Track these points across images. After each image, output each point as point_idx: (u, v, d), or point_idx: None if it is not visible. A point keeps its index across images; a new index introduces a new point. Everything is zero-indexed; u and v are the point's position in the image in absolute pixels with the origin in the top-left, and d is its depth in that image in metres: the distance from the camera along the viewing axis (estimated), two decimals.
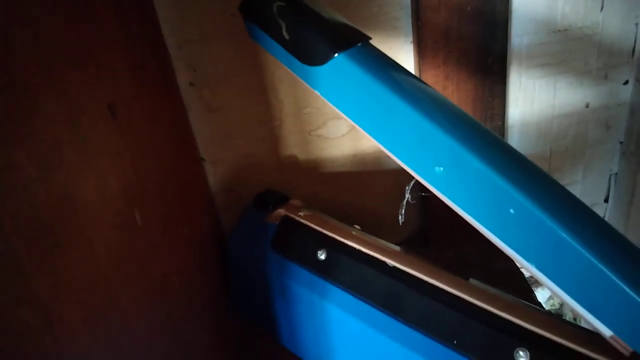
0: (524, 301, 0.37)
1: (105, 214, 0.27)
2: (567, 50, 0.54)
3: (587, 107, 0.57)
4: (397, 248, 0.43)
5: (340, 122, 0.54)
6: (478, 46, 0.48)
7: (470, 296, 0.36)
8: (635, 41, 0.55)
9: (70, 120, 0.25)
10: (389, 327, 0.38)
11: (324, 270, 0.43)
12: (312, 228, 0.46)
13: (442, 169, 0.31)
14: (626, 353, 0.29)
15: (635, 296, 0.27)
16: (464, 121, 0.32)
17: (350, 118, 0.35)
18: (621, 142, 0.61)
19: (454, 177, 0.31)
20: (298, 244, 0.45)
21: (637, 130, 0.58)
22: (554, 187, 0.30)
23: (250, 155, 0.54)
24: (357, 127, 0.35)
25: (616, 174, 0.63)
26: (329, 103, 0.35)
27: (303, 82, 0.36)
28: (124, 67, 0.34)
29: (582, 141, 0.60)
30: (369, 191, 0.58)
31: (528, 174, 0.30)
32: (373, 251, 0.42)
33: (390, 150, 0.34)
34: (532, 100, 0.55)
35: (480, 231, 0.32)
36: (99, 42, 0.30)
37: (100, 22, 0.31)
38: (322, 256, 0.43)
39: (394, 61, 0.35)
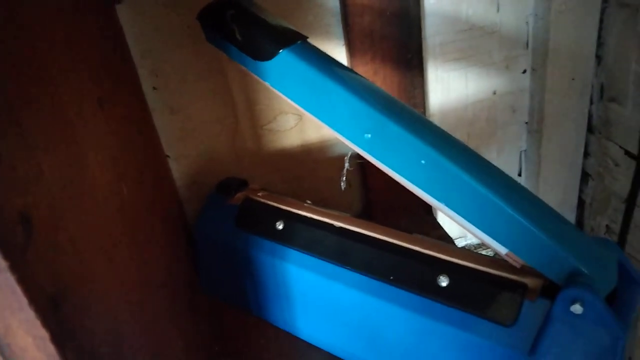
0: (445, 242, 0.45)
1: (102, 180, 0.34)
2: (474, 46, 0.64)
3: (495, 94, 0.68)
4: (343, 214, 0.51)
5: (288, 117, 0.62)
6: (398, 44, 0.57)
7: (401, 241, 0.45)
8: (527, 36, 0.66)
9: (77, 105, 0.32)
10: (340, 275, 0.46)
11: (282, 238, 0.50)
12: (270, 204, 0.53)
13: (369, 135, 0.40)
14: (518, 265, 0.39)
15: (518, 216, 0.36)
16: (383, 97, 0.40)
17: (296, 102, 0.43)
18: (526, 123, 0.72)
19: (379, 141, 0.40)
20: (259, 219, 0.53)
21: (537, 111, 0.69)
22: (453, 142, 0.39)
23: (210, 150, 0.61)
24: (302, 110, 0.43)
25: (525, 150, 0.74)
26: (277, 99, 0.43)
27: (254, 81, 0.44)
28: (104, 70, 0.41)
29: (493, 124, 0.70)
30: (316, 177, 0.66)
31: (433, 133, 0.39)
32: (322, 217, 0.50)
33: (329, 125, 0.42)
34: (448, 90, 0.66)
35: (401, 182, 0.40)
36: (87, 46, 0.37)
37: (84, 30, 0.38)
38: (280, 226, 0.51)
39: (328, 55, 0.43)
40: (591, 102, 0.69)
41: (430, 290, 0.41)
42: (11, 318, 0.22)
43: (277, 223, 0.51)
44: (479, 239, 0.39)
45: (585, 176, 0.74)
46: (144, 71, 0.55)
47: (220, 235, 0.55)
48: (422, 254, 0.43)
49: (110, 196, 0.35)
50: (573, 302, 0.33)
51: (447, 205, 0.39)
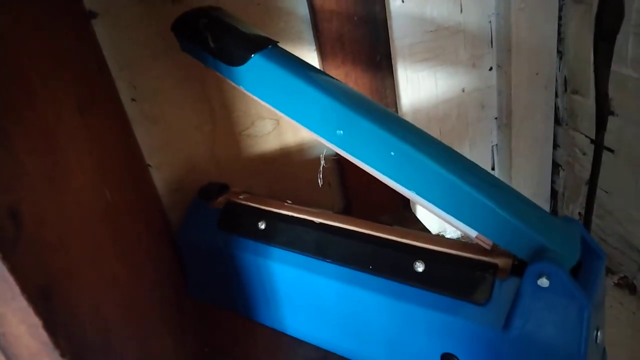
0: (420, 231, 0.47)
1: (85, 182, 0.35)
2: (441, 47, 0.67)
3: (464, 91, 0.71)
4: (323, 211, 0.53)
5: (265, 122, 0.63)
6: (367, 47, 0.60)
7: (378, 232, 0.47)
8: (491, 35, 0.69)
9: (57, 111, 0.33)
10: (321, 269, 0.47)
11: (265, 237, 0.52)
12: (252, 206, 0.55)
13: (341, 131, 0.42)
14: (488, 247, 0.41)
15: (483, 199, 0.38)
16: (352, 95, 0.43)
17: (270, 104, 0.45)
18: (496, 118, 0.74)
19: (350, 136, 0.41)
20: (241, 221, 0.54)
21: (505, 106, 0.72)
22: (420, 134, 0.41)
23: (190, 157, 0.63)
24: (277, 112, 0.45)
25: (496, 144, 0.77)
26: (254, 105, 0.44)
27: (230, 88, 0.46)
28: (83, 80, 0.42)
29: (464, 120, 0.73)
30: (297, 179, 0.68)
31: (401, 126, 0.41)
32: (303, 214, 0.51)
33: (303, 124, 0.44)
34: (418, 89, 0.68)
35: (375, 175, 0.42)
36: (65, 57, 0.39)
37: (63, 41, 0.40)
38: (262, 226, 0.52)
39: (298, 57, 0.45)
40: (556, 95, 0.72)
41: (407, 276, 0.43)
42: (5, 307, 0.23)
43: (259, 223, 0.52)
44: (449, 223, 0.41)
45: (556, 167, 0.77)
46: (122, 83, 0.56)
47: (204, 239, 0.56)
48: (398, 243, 0.45)
49: (93, 199, 0.36)
50: (540, 276, 0.36)
51: (417, 193, 0.41)
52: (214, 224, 0.55)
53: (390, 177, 0.41)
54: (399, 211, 0.71)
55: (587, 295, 0.35)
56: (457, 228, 0.41)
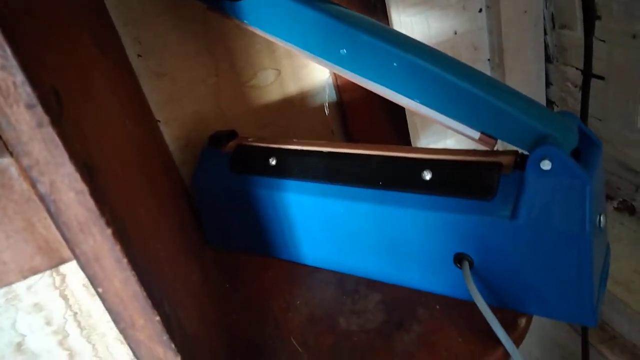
0: (423, 147, 0.50)
1: (107, 99, 0.37)
2: None
3: (456, 34, 0.73)
4: (329, 142, 0.55)
5: (267, 72, 0.66)
6: None
7: (384, 152, 0.49)
8: None
9: (78, 31, 0.35)
10: (334, 192, 0.50)
11: (277, 172, 0.54)
12: (261, 146, 0.57)
13: (345, 50, 0.44)
14: (491, 147, 0.43)
15: (484, 96, 0.40)
16: (351, 15, 0.45)
17: (274, 35, 0.47)
18: (489, 59, 0.77)
19: (354, 54, 0.44)
20: (252, 160, 0.56)
21: (497, 46, 0.74)
22: (419, 44, 0.43)
23: (197, 112, 0.65)
24: (280, 43, 0.47)
25: None
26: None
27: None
28: (93, 37, 0.44)
29: None
30: (301, 128, 0.70)
31: (401, 39, 0.43)
32: (311, 147, 0.54)
33: (307, 49, 0.46)
34: (412, 33, 0.70)
35: (378, 91, 0.44)
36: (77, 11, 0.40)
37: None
38: (273, 162, 0.54)
39: None
40: (545, 33, 0.75)
41: (416, 185, 0.45)
42: (55, 174, 0.25)
43: (270, 159, 0.54)
44: (453, 129, 0.43)
45: (550, 104, 0.80)
46: (127, 39, 0.58)
47: (218, 183, 0.58)
48: (404, 158, 0.47)
49: (116, 118, 0.38)
50: (542, 159, 0.38)
51: (421, 102, 0.43)
52: (227, 168, 0.57)
53: (394, 89, 0.43)
54: None
55: (587, 174, 0.37)
56: (460, 133, 0.43)
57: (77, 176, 0.25)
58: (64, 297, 0.40)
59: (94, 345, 0.51)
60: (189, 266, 0.47)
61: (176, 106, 0.63)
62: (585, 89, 0.63)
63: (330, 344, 0.46)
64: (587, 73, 0.62)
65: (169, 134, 0.64)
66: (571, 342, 0.72)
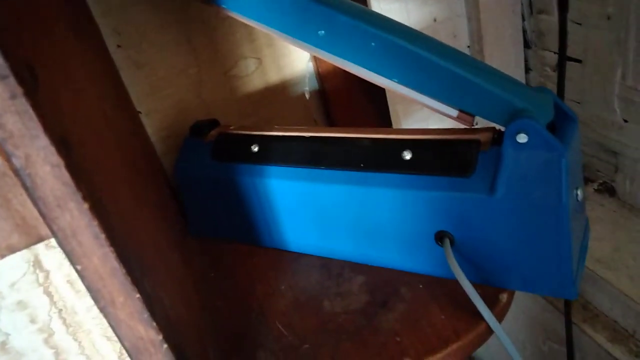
0: (403, 128, 0.50)
1: (85, 83, 0.37)
2: None
3: (435, 21, 0.74)
4: (310, 127, 0.55)
5: (248, 61, 0.66)
6: None
7: (367, 134, 0.49)
8: None
9: (54, 14, 0.35)
10: (316, 176, 0.50)
11: (259, 159, 0.54)
12: (243, 133, 0.57)
13: (323, 32, 0.44)
14: (469, 124, 0.43)
15: (460, 72, 0.40)
16: None
17: (254, 19, 0.47)
18: (468, 46, 0.77)
19: (332, 35, 0.44)
20: (234, 148, 0.56)
21: (476, 33, 0.75)
22: (397, 24, 0.44)
23: (179, 102, 0.65)
24: (261, 28, 0.47)
25: None
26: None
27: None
28: (68, 30, 0.44)
29: None
30: (283, 117, 0.70)
31: (379, 19, 0.44)
32: (292, 132, 0.54)
33: (286, 32, 0.46)
34: None
35: (356, 72, 0.45)
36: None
37: None
38: (255, 149, 0.54)
39: None
40: (523, 19, 0.76)
41: (397, 165, 0.46)
42: (30, 147, 0.25)
43: (252, 146, 0.54)
44: (431, 108, 0.44)
45: None
46: (106, 30, 0.58)
47: (200, 172, 0.58)
48: (385, 139, 0.48)
49: (95, 104, 0.38)
50: (518, 133, 0.38)
51: (399, 81, 0.43)
52: (209, 156, 0.57)
53: (372, 70, 0.44)
54: None
55: (563, 146, 0.38)
56: (438, 111, 0.44)
57: (52, 149, 0.25)
58: (48, 294, 0.39)
59: (80, 342, 0.51)
60: (171, 252, 0.47)
61: (157, 97, 0.63)
62: (560, 71, 0.64)
63: (316, 326, 0.46)
64: (562, 55, 0.63)
65: (151, 125, 0.64)
66: (555, 321, 0.73)
